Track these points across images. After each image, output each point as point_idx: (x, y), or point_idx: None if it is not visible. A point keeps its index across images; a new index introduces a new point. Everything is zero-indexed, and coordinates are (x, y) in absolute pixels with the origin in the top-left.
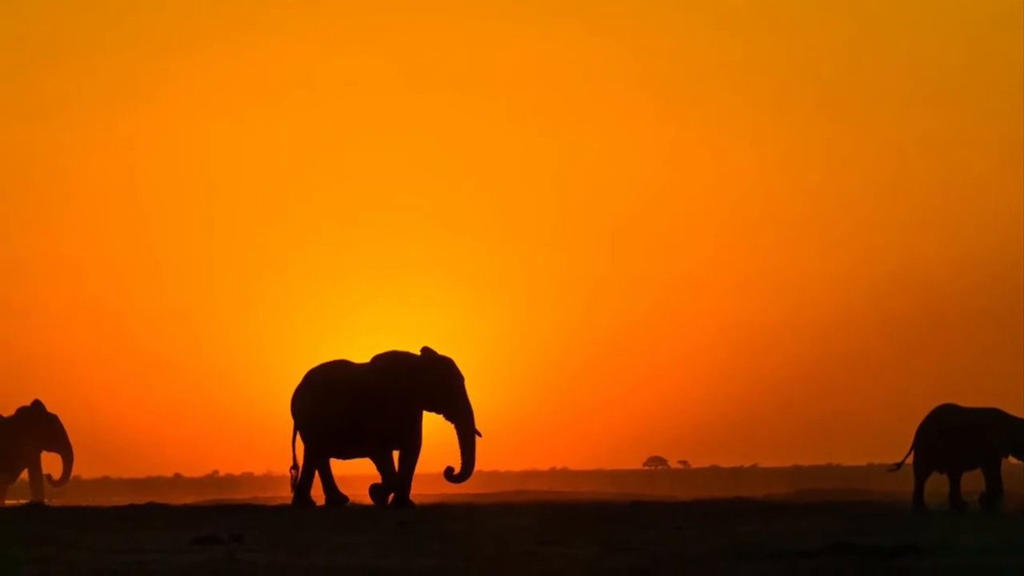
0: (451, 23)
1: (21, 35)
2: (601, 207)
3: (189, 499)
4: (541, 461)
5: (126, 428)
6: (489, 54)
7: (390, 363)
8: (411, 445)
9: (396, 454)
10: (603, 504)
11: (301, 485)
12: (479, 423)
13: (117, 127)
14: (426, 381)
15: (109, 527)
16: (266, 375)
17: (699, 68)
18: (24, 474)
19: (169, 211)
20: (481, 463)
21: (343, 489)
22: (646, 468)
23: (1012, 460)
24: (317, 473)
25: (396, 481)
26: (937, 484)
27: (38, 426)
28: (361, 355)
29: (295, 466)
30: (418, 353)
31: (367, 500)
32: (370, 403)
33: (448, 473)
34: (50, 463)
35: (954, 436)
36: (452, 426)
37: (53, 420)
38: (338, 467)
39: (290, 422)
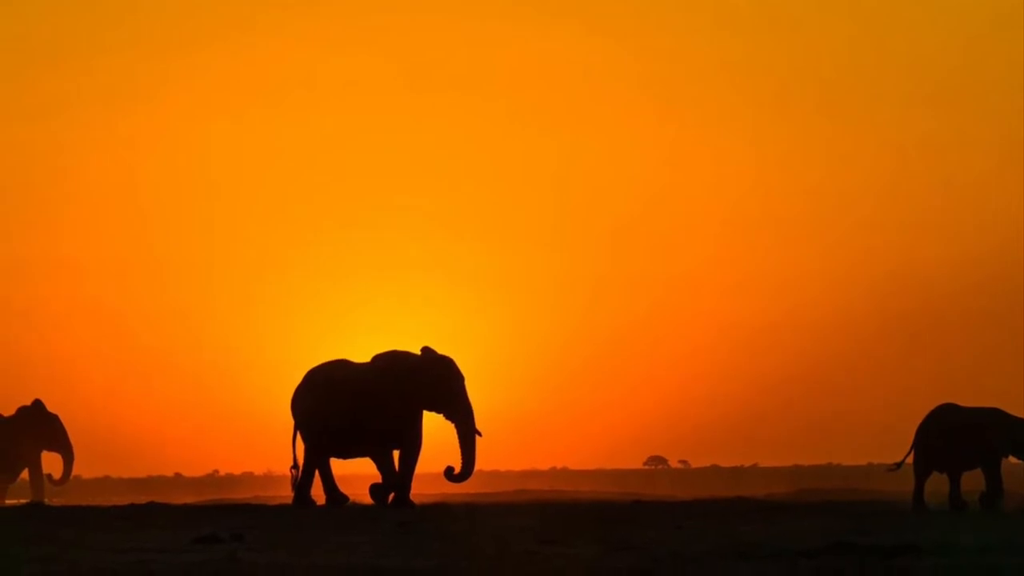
0: (451, 23)
1: (21, 35)
2: (601, 207)
3: (189, 498)
4: (541, 461)
5: (126, 428)
6: (489, 54)
7: (390, 363)
8: (411, 445)
9: (396, 454)
10: (603, 504)
11: (301, 485)
12: (479, 423)
13: (117, 127)
14: (426, 381)
15: (110, 526)
16: (266, 375)
17: (699, 68)
18: (25, 474)
19: (169, 211)
20: (481, 463)
21: (343, 488)
22: (646, 468)
23: (1012, 460)
24: (317, 473)
25: (396, 481)
26: (937, 484)
27: (38, 426)
28: (361, 355)
29: (295, 466)
30: (418, 353)
31: (367, 500)
32: (370, 403)
33: (448, 473)
34: (50, 463)
35: (954, 436)
36: (452, 426)
37: (53, 420)
38: (338, 466)
39: (290, 422)
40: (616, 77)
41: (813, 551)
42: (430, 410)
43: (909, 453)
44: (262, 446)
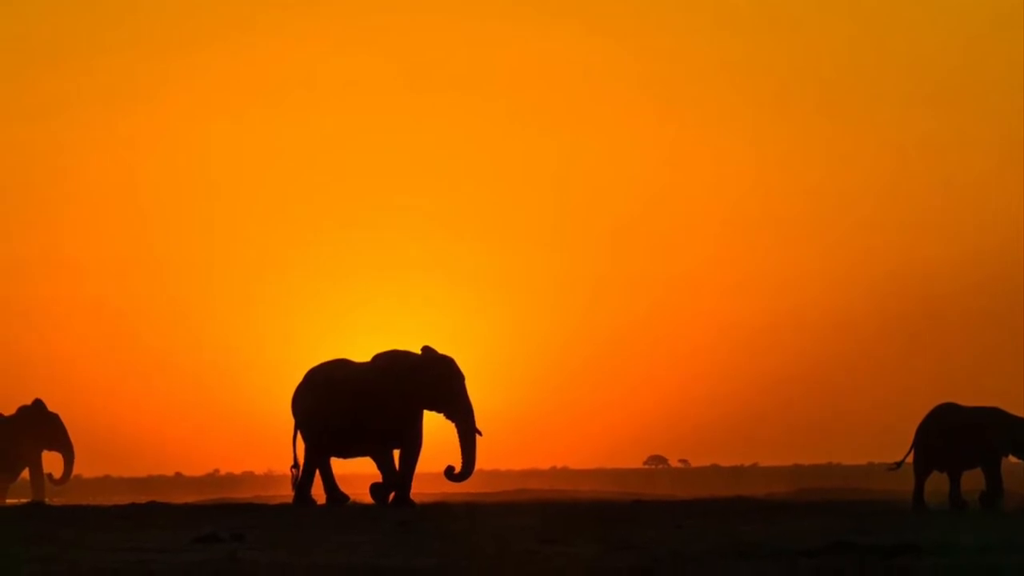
0: (451, 23)
1: (21, 35)
2: (601, 207)
3: (190, 498)
4: (542, 460)
5: (127, 427)
6: (489, 54)
7: (391, 362)
8: (412, 444)
9: (397, 453)
10: (604, 503)
11: (302, 484)
12: (479, 422)
13: (117, 127)
14: (427, 380)
15: (110, 526)
16: (266, 374)
17: (699, 68)
18: (25, 473)
19: (169, 211)
20: (481, 462)
21: (344, 488)
22: (647, 467)
23: (1012, 459)
24: (318, 472)
25: (397, 480)
26: (937, 483)
27: (39, 425)
28: (361, 355)
29: (296, 465)
30: (419, 352)
31: (368, 499)
32: (371, 402)
33: (449, 472)
34: (51, 462)
35: (954, 435)
36: (452, 425)
37: (54, 419)
38: (339, 466)
39: (291, 421)
40: (616, 77)
41: (813, 551)
42: (430, 409)
43: (909, 452)
44: (263, 446)
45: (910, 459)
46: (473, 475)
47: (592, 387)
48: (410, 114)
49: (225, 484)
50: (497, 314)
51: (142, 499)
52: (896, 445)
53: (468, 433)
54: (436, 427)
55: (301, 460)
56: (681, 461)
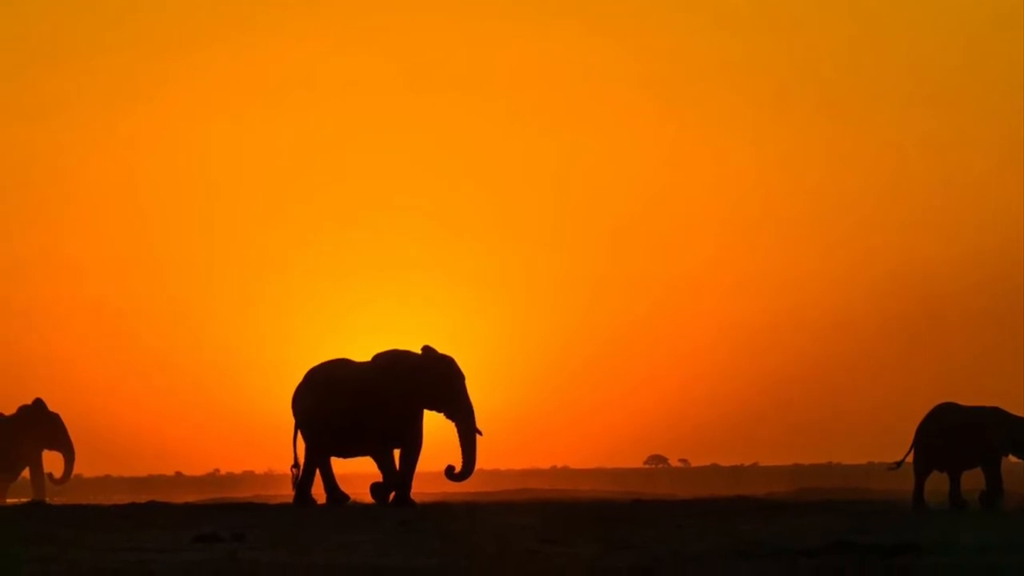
0: (451, 23)
1: (21, 35)
2: (601, 207)
3: (190, 498)
4: (542, 460)
5: (127, 427)
6: (489, 54)
7: (391, 362)
8: (412, 443)
9: (397, 453)
10: (604, 503)
11: (302, 483)
12: (480, 422)
13: (117, 127)
14: (427, 380)
15: (110, 526)
16: (266, 374)
17: (699, 68)
18: (25, 473)
19: (169, 211)
20: (482, 462)
21: (344, 487)
22: (647, 467)
23: (1012, 459)
24: (318, 471)
25: (397, 479)
26: (937, 483)
27: (39, 425)
28: (362, 354)
29: (296, 464)
30: (419, 352)
31: (368, 498)
32: (371, 401)
33: (449, 472)
34: (51, 462)
35: (954, 434)
36: (453, 425)
37: (54, 419)
38: (339, 465)
39: (291, 420)
40: (616, 77)
41: (813, 550)
42: (431, 409)
43: (909, 452)
44: (263, 445)
45: (910, 459)
46: (473, 475)
47: (592, 387)
48: (410, 114)
49: (225, 484)
50: (497, 314)
51: (142, 499)
52: (896, 445)
53: (468, 433)
54: (436, 427)
55: (301, 460)
56: (681, 461)
